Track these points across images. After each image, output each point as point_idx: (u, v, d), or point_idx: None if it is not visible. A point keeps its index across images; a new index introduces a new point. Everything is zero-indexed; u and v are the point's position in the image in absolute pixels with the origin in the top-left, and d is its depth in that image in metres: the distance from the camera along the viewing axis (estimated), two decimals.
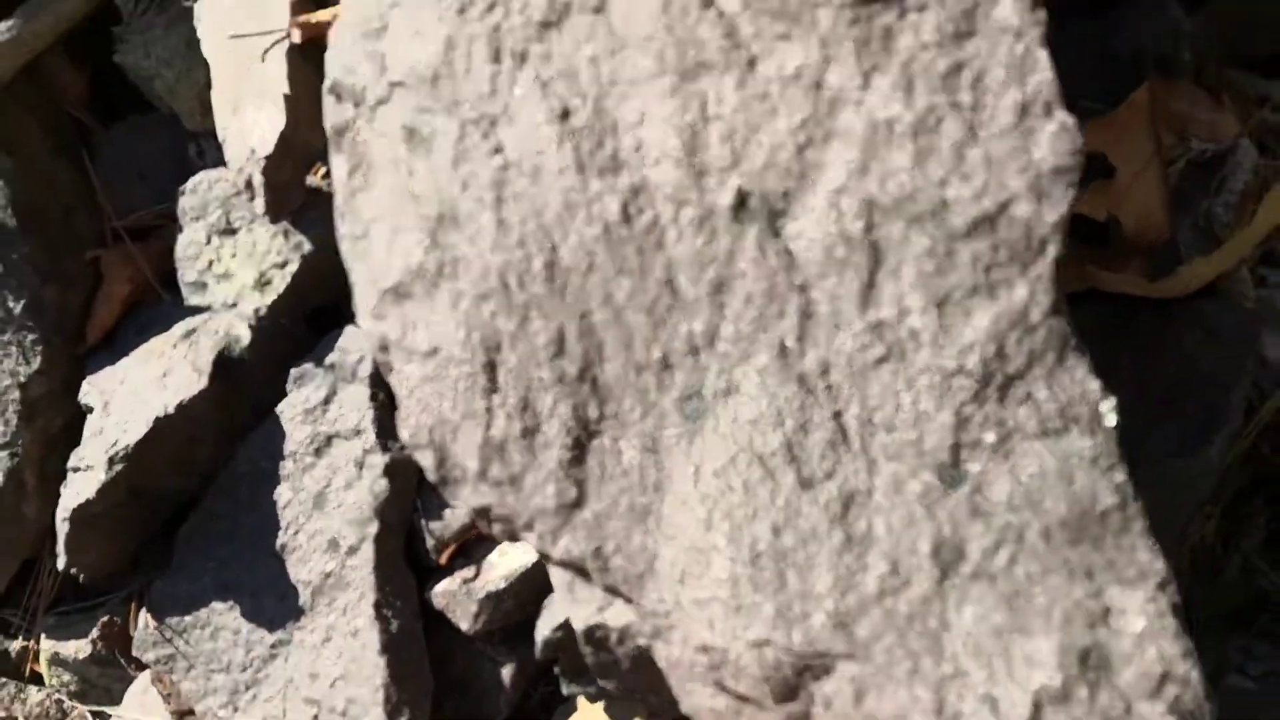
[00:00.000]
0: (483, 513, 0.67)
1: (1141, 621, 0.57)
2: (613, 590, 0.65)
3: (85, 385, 1.01)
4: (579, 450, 0.65)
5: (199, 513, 1.00)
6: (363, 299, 0.69)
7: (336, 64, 0.73)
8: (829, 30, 0.61)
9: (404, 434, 0.68)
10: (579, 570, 0.66)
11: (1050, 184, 0.59)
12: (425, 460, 0.68)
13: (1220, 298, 0.79)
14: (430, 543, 0.93)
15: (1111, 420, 0.59)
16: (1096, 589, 0.58)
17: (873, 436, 0.61)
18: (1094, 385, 0.59)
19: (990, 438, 0.59)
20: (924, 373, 0.60)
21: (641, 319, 0.64)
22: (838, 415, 0.61)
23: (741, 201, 0.63)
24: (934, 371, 0.60)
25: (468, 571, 0.91)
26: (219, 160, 1.00)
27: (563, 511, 0.65)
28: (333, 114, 0.72)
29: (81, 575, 1.01)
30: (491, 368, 0.65)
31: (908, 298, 0.60)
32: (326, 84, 0.73)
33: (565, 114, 0.66)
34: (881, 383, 0.61)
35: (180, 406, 0.93)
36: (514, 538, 0.67)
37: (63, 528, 0.97)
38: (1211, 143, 0.81)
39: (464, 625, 0.91)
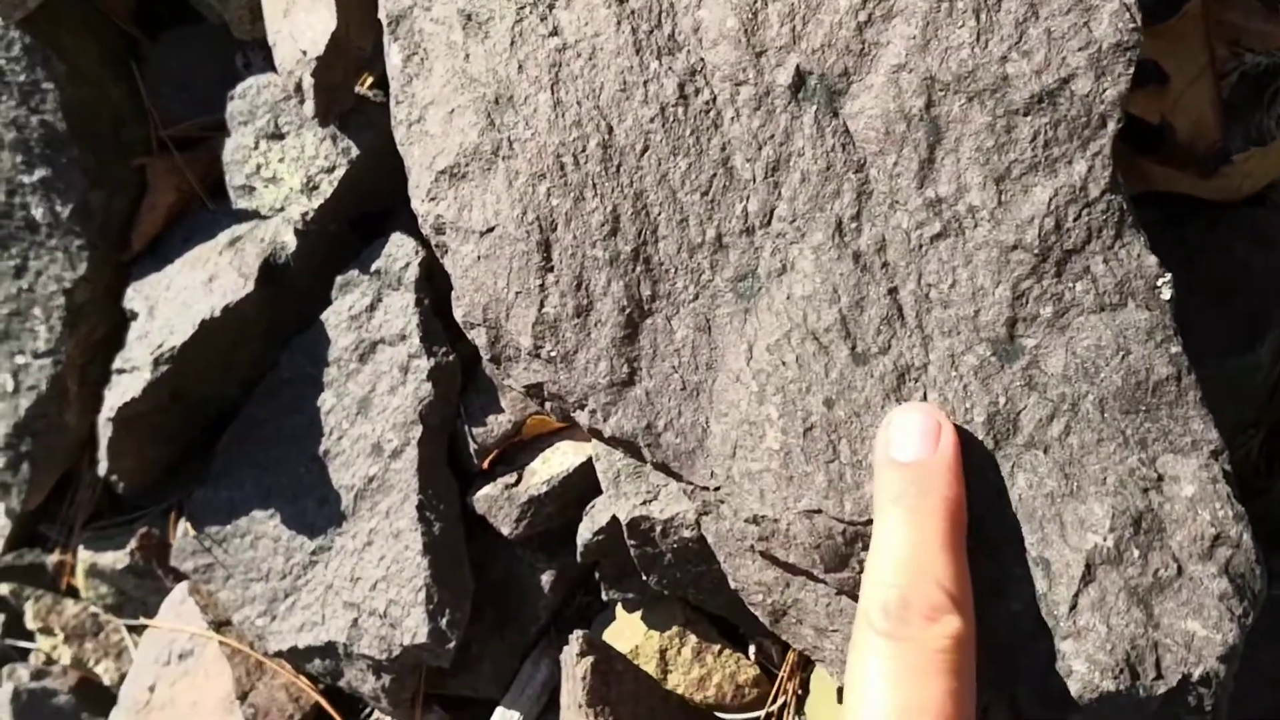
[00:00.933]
0: (535, 390, 0.68)
1: (1194, 487, 0.57)
2: (663, 467, 0.65)
3: (130, 291, 1.02)
4: (631, 329, 0.65)
5: (241, 419, 1.01)
6: (418, 181, 0.69)
7: None
8: None
9: (458, 313, 0.68)
10: (629, 448, 0.66)
11: (1111, 60, 0.59)
12: (479, 339, 0.68)
13: (1270, 207, 0.79)
14: (473, 448, 0.93)
15: (1168, 294, 0.59)
16: (1150, 456, 0.58)
17: (929, 312, 0.61)
18: (1151, 260, 0.59)
19: (1047, 312, 0.59)
20: (981, 248, 0.60)
21: (696, 199, 0.64)
22: (893, 292, 0.61)
23: (800, 81, 0.63)
24: (992, 247, 0.60)
25: (509, 477, 0.92)
26: (266, 71, 1.00)
27: (615, 389, 0.65)
28: (389, 3, 0.73)
29: (121, 484, 1.02)
30: (546, 246, 0.66)
31: (966, 174, 0.61)
32: None
33: None
34: (939, 259, 0.61)
35: (226, 310, 0.94)
36: (566, 416, 0.67)
37: (105, 430, 0.97)
38: (1265, 55, 0.81)
39: (505, 530, 0.91)
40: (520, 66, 0.67)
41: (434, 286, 0.93)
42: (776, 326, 0.62)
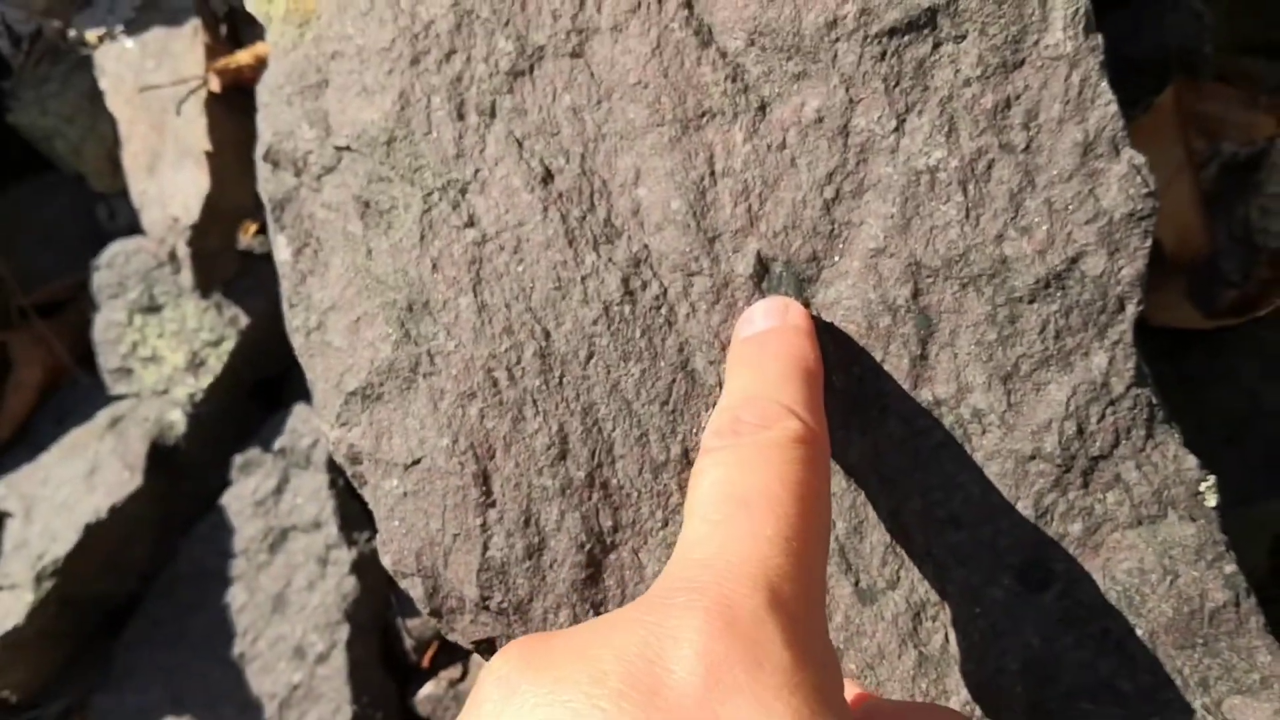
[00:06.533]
0: (486, 646, 0.58)
1: None
2: None
3: (1, 489, 0.90)
4: (594, 568, 0.56)
5: (140, 618, 0.90)
6: (324, 402, 0.59)
7: (270, 126, 0.63)
8: (852, 67, 0.52)
9: (386, 560, 0.58)
10: None
11: (1124, 233, 0.51)
12: (414, 590, 0.58)
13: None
14: (409, 643, 0.83)
15: (1212, 500, 0.51)
16: (1215, 700, 0.50)
17: (939, 535, 0.52)
18: (1190, 461, 0.51)
19: (1076, 530, 0.51)
20: (993, 459, 0.52)
21: (655, 410, 0.55)
22: (895, 513, 0.53)
23: (763, 269, 0.54)
24: (1005, 457, 0.52)
25: (453, 671, 0.82)
26: (133, 221, 0.89)
27: None
28: (270, 184, 0.62)
29: (14, 698, 0.91)
30: (484, 478, 0.56)
31: (967, 372, 0.52)
32: (260, 149, 0.63)
33: (547, 176, 0.56)
34: (943, 473, 0.52)
35: (113, 510, 0.83)
36: None
37: None
38: (1244, 145, 0.74)
39: None
40: (434, 265, 0.57)
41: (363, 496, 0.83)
42: None
